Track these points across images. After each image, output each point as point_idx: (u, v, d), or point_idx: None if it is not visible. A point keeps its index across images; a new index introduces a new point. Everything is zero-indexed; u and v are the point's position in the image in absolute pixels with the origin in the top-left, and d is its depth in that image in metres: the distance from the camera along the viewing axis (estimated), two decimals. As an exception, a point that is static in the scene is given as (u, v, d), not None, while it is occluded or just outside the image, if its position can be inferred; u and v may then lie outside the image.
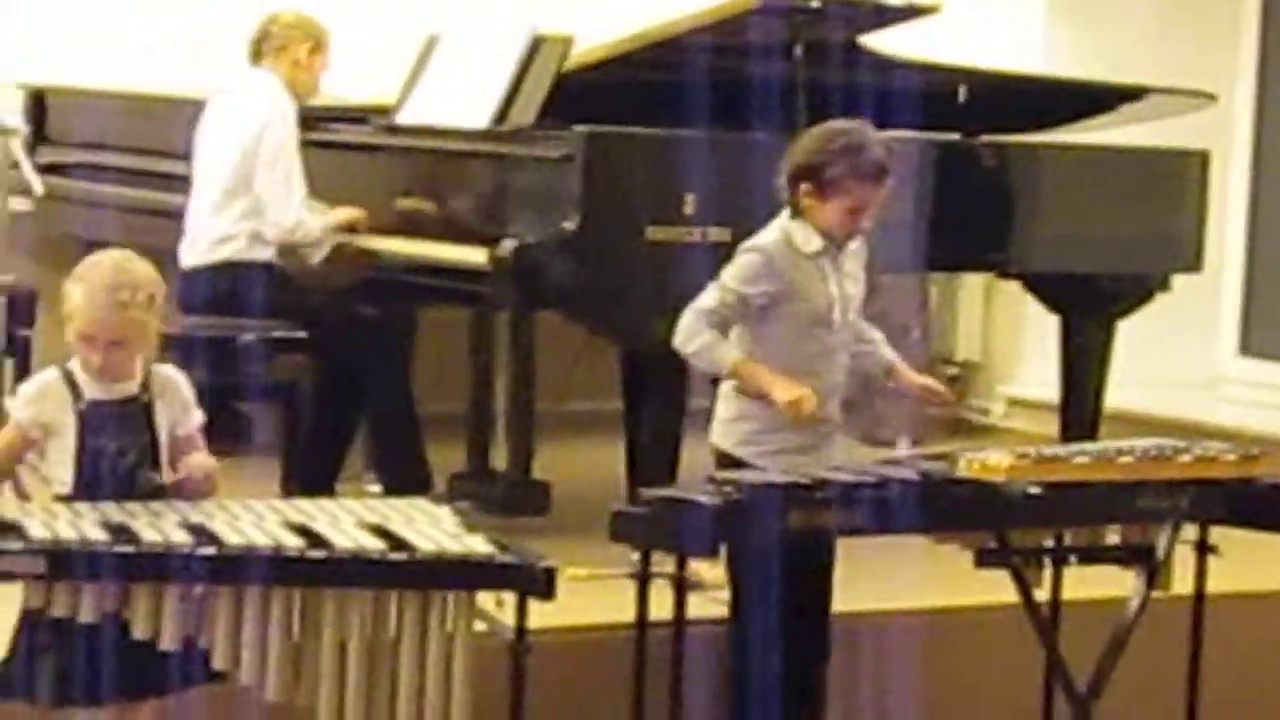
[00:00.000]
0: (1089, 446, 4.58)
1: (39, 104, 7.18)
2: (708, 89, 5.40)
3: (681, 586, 4.11)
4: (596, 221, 5.31)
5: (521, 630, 3.82)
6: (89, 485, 3.83)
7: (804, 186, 4.42)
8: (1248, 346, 8.12)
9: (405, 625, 3.71)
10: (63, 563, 3.58)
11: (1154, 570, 4.50)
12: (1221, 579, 4.68)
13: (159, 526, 3.70)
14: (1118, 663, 4.50)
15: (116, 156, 6.80)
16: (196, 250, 5.90)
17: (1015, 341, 8.04)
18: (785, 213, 4.48)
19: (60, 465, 3.86)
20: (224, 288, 5.80)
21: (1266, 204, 8.10)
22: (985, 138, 6.44)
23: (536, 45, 5.79)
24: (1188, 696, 4.68)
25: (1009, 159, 6.32)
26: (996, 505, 4.22)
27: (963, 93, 6.48)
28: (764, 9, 5.64)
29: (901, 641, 4.86)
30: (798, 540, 4.14)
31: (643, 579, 4.07)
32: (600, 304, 5.38)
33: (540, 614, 3.85)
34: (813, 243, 4.44)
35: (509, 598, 3.80)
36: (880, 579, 4.96)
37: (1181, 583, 4.59)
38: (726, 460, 4.44)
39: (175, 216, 6.04)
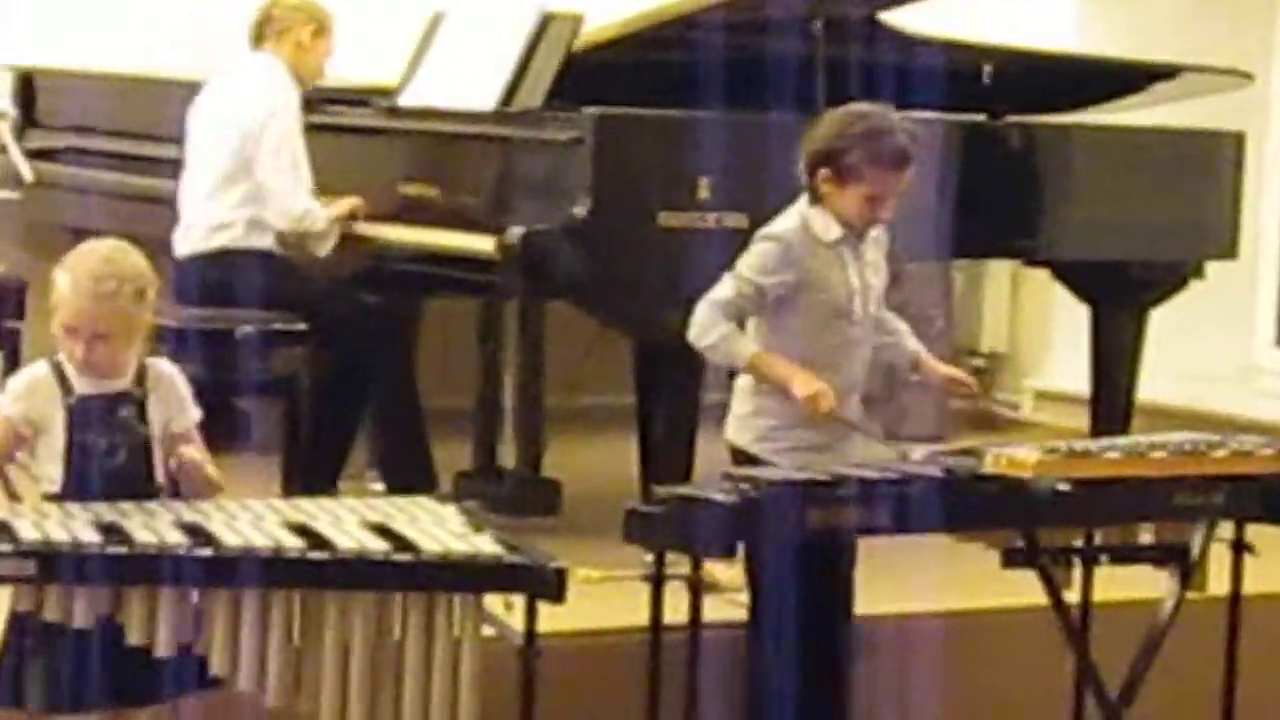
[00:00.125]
0: (1120, 441, 4.58)
1: (27, 86, 7.17)
2: (723, 68, 5.39)
3: (697, 588, 4.11)
4: (607, 207, 5.30)
5: (531, 634, 3.82)
6: (79, 483, 3.83)
7: (822, 172, 4.41)
8: (1286, 336, 8.11)
9: (410, 629, 3.71)
10: (54, 565, 3.59)
11: (1188, 570, 4.50)
12: (1259, 579, 4.67)
13: (153, 527, 3.71)
14: (1151, 667, 4.49)
15: (109, 141, 6.79)
16: (191, 238, 5.89)
17: (1043, 332, 8.04)
18: (804, 199, 4.47)
19: (49, 463, 3.86)
20: (220, 277, 5.79)
21: (1305, 187, 8.09)
22: (1011, 119, 6.43)
23: (545, 23, 5.79)
24: (1224, 702, 4.67)
25: (1036, 141, 6.31)
26: (1024, 503, 4.22)
27: (988, 72, 6.47)
28: (781, -16, 5.65)
29: (925, 646, 4.86)
30: (817, 540, 4.14)
31: (657, 581, 4.07)
32: (611, 293, 5.38)
33: (550, 617, 3.85)
34: (832, 230, 4.44)
35: (518, 600, 3.80)
36: (902, 580, 4.96)
37: (1217, 583, 4.58)
38: (743, 457, 4.44)
39: (171, 204, 6.03)
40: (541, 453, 5.87)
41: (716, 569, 4.49)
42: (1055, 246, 6.38)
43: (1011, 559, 4.31)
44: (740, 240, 4.58)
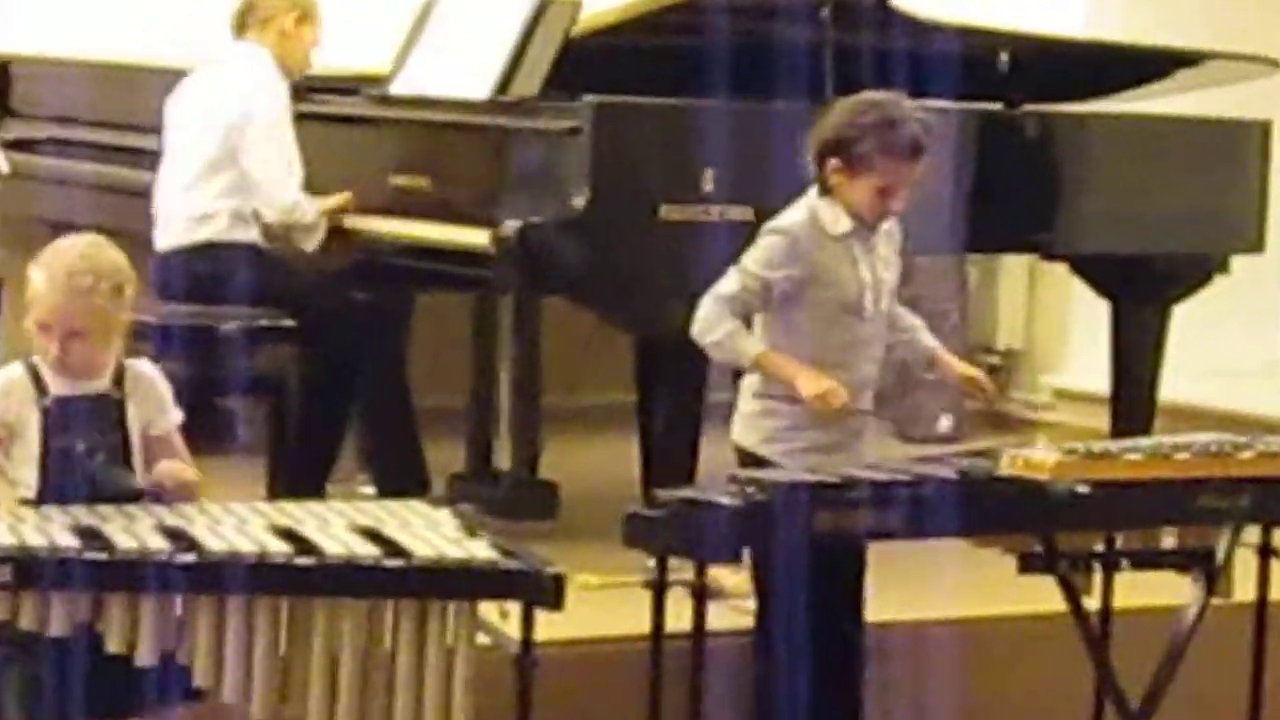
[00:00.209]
0: (1142, 442, 4.58)
1: (3, 74, 7.18)
2: (727, 55, 5.39)
3: (701, 595, 4.10)
4: (607, 199, 5.30)
5: (527, 643, 3.81)
6: (56, 488, 3.82)
7: (832, 162, 4.41)
8: (1314, 332, 8.10)
9: (401, 638, 3.70)
10: (30, 571, 3.58)
11: (1213, 576, 4.49)
12: (1286, 585, 4.67)
13: (134, 531, 3.70)
14: (1174, 678, 4.48)
15: (90, 131, 6.79)
16: (171, 231, 5.89)
17: (1061, 328, 8.03)
18: (812, 190, 4.47)
19: (25, 467, 3.86)
20: (204, 271, 5.79)
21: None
22: (1028, 107, 6.43)
23: (542, 8, 5.78)
24: (1249, 714, 4.67)
25: (1054, 130, 6.30)
26: (1042, 506, 4.22)
27: (1004, 59, 6.47)
28: (788, -33, 5.65)
29: (939, 655, 4.86)
30: (826, 544, 4.13)
31: (659, 587, 4.07)
32: (611, 288, 5.38)
33: (548, 625, 3.84)
34: (841, 223, 4.43)
35: (514, 608, 3.79)
36: (915, 587, 4.96)
37: (1243, 589, 4.59)
38: (750, 459, 4.44)
39: (152, 196, 6.03)
40: (538, 454, 5.86)
41: (721, 575, 4.48)
42: (1074, 240, 6.37)
43: (1029, 564, 4.31)
44: (745, 234, 4.58)
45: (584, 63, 5.72)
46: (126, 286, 3.89)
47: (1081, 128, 6.40)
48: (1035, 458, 4.22)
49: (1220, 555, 4.49)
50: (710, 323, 4.43)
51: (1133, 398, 6.58)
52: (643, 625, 4.12)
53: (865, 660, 4.55)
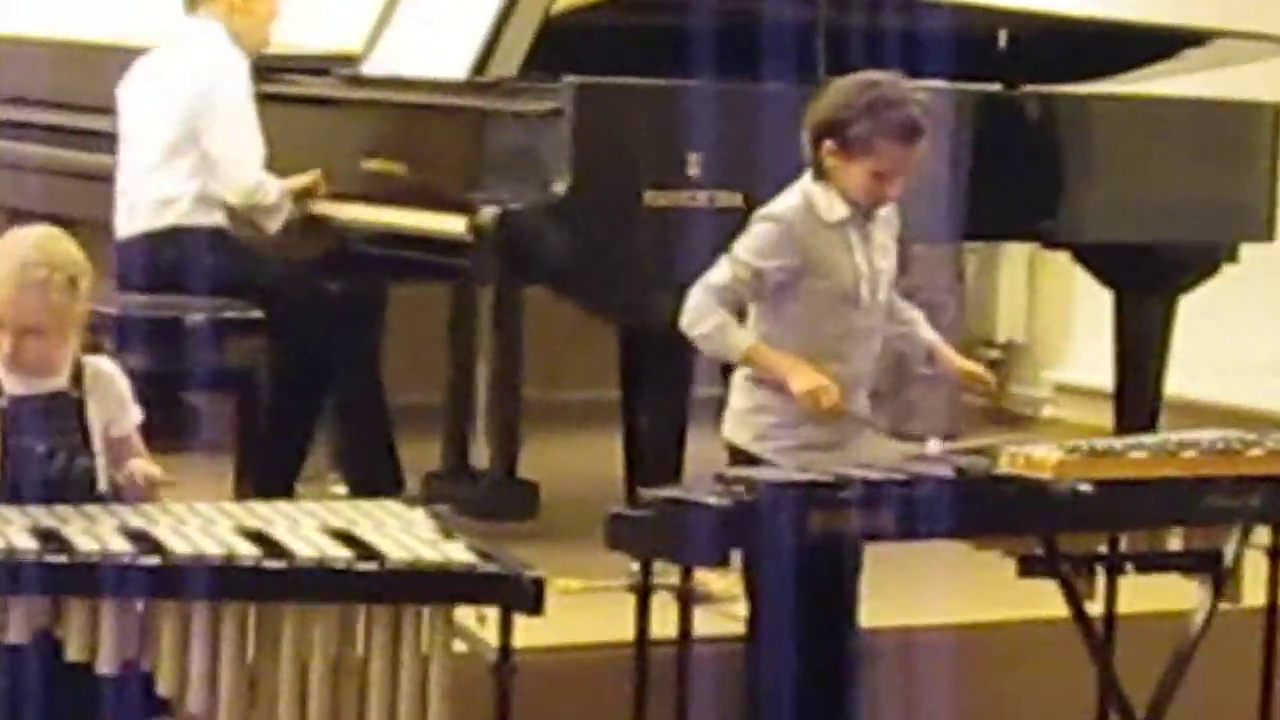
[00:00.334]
0: (1147, 439, 4.59)
1: (-45, 54, 7.17)
2: (715, 33, 5.38)
3: (687, 600, 4.11)
4: (589, 185, 5.30)
5: (506, 650, 3.81)
6: (12, 491, 3.82)
7: (827, 145, 4.41)
8: (1326, 325, 8.11)
9: (374, 644, 3.71)
10: (-15, 575, 3.58)
11: (1221, 579, 4.51)
12: (1297, 589, 4.69)
13: (95, 533, 3.70)
14: (1180, 685, 4.50)
15: (45, 113, 6.78)
16: (136, 216, 5.87)
17: (1063, 321, 8.04)
18: (806, 175, 4.47)
19: (-21, 469, 3.86)
20: (167, 259, 5.77)
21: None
22: (1029, 89, 6.43)
23: (521, -14, 5.79)
24: (1260, 721, 4.69)
25: (1055, 112, 6.31)
26: (1043, 506, 4.22)
27: (1004, 37, 6.48)
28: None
29: (935, 661, 4.87)
30: (819, 546, 4.14)
31: (643, 591, 4.07)
32: (594, 278, 5.38)
33: (527, 631, 3.85)
34: (837, 210, 4.44)
35: (492, 613, 3.79)
36: (911, 590, 4.97)
37: (1252, 593, 4.60)
38: (741, 457, 4.44)
39: (112, 181, 6.02)
40: (517, 452, 5.87)
41: (709, 578, 4.49)
42: (1077, 228, 6.38)
43: (1029, 567, 4.32)
44: (733, 221, 4.59)
45: (565, 42, 5.71)
46: (82, 279, 3.89)
47: (1084, 110, 6.40)
48: (1036, 456, 4.22)
49: (1229, 557, 4.50)
50: (700, 314, 4.43)
51: (1137, 393, 6.59)
52: (626, 631, 4.13)
53: (859, 668, 4.56)
